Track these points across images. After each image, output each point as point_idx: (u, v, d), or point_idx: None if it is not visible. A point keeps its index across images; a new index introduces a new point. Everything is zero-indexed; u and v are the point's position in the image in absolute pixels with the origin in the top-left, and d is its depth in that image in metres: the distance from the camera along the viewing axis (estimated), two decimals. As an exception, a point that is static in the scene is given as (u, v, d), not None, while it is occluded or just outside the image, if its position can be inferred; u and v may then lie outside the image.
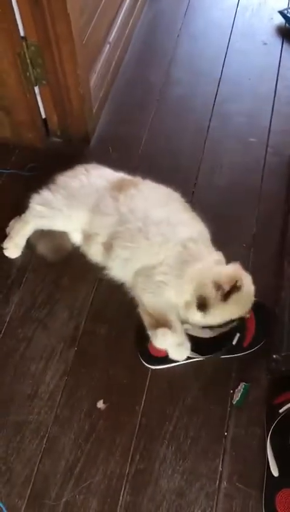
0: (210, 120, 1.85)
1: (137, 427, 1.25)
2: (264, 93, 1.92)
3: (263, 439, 1.22)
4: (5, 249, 1.48)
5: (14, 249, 1.48)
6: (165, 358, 1.29)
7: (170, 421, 1.26)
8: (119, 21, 1.96)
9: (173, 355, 1.27)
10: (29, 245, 1.50)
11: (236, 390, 1.29)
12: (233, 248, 1.50)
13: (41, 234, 1.48)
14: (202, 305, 1.21)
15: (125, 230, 1.34)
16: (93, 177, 1.46)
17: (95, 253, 1.42)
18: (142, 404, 1.28)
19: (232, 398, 1.28)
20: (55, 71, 1.54)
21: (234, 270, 1.26)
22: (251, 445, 1.22)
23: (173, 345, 1.26)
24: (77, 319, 1.41)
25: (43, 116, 1.72)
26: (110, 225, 1.36)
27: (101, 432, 1.24)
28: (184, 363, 1.31)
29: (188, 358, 1.30)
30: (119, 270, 1.37)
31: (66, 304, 1.44)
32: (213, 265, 1.28)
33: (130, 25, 2.05)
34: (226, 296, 1.20)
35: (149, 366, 1.32)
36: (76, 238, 1.47)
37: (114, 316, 1.41)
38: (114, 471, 1.19)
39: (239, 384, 1.29)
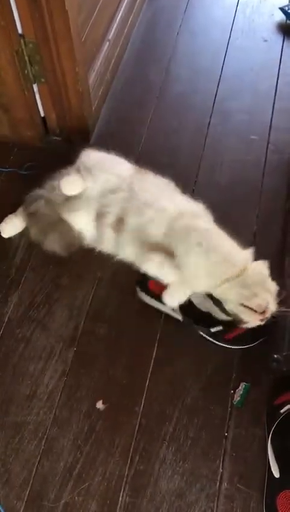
0: (210, 117, 1.84)
1: (136, 427, 1.24)
2: (265, 90, 1.90)
3: (263, 440, 1.20)
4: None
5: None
6: (158, 298, 1.33)
7: (169, 422, 1.24)
8: (118, 18, 1.94)
9: (167, 295, 1.29)
10: (29, 244, 1.50)
11: (237, 390, 1.27)
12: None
13: (48, 230, 1.45)
14: None
15: (138, 203, 1.35)
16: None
17: (107, 238, 1.39)
18: (142, 405, 1.27)
19: (232, 399, 1.27)
20: (54, 69, 1.52)
21: None
22: (251, 446, 1.21)
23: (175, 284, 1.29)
24: (76, 318, 1.40)
25: (42, 114, 1.70)
26: (122, 200, 1.37)
27: (101, 433, 1.23)
28: (166, 313, 1.37)
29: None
30: (132, 243, 1.35)
31: (65, 303, 1.43)
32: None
33: (129, 22, 2.04)
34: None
35: (139, 294, 1.38)
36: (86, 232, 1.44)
37: (114, 316, 1.40)
38: (113, 472, 1.18)
39: (240, 385, 1.28)
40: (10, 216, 1.51)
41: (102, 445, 1.22)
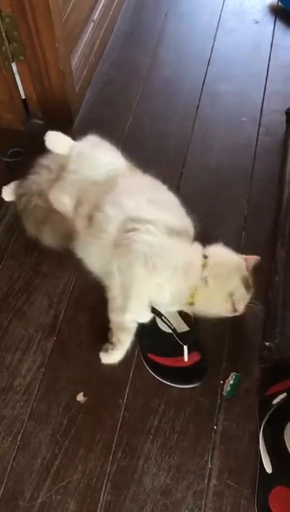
0: (199, 100, 1.77)
1: (119, 421, 1.16)
2: (256, 73, 1.83)
3: (255, 433, 1.12)
4: None
5: None
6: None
7: (155, 415, 1.16)
8: (104, -1, 1.87)
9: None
10: (7, 231, 1.42)
11: (226, 380, 1.20)
12: (224, 230, 1.41)
13: (42, 222, 1.34)
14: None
15: (111, 199, 1.25)
16: None
17: (80, 226, 1.30)
18: (125, 397, 1.19)
19: (222, 390, 1.19)
20: (33, 45, 1.45)
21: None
22: (242, 439, 1.13)
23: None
24: (57, 307, 1.32)
25: (23, 96, 1.63)
26: (99, 192, 1.28)
27: (81, 427, 1.15)
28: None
29: None
30: (96, 248, 1.26)
31: (45, 291, 1.35)
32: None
33: (115, 3, 1.96)
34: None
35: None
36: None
37: (95, 304, 1.32)
38: (94, 469, 1.10)
39: (230, 375, 1.20)
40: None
41: (82, 440, 1.13)
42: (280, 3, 2.03)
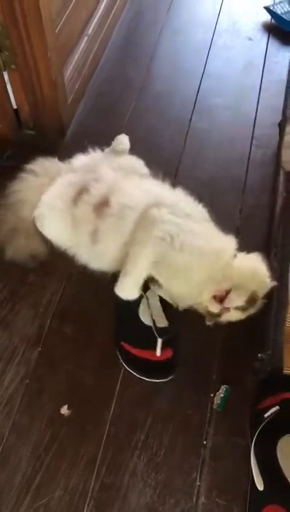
0: (192, 114, 1.76)
1: (105, 435, 1.11)
2: (249, 87, 1.84)
3: (246, 448, 1.07)
4: None
5: None
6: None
7: (142, 429, 1.12)
8: (98, 14, 1.88)
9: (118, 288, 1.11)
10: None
11: (217, 393, 1.15)
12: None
13: (12, 237, 1.28)
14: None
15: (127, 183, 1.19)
16: None
17: (82, 215, 1.16)
18: (112, 410, 1.14)
19: (212, 403, 1.15)
20: (24, 53, 1.44)
21: None
22: (232, 455, 1.09)
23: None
24: (42, 317, 1.28)
25: (14, 106, 1.61)
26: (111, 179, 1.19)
27: (64, 442, 1.10)
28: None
29: None
30: (113, 231, 1.13)
31: (31, 301, 1.31)
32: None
33: (110, 19, 1.98)
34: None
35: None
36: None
37: (83, 315, 1.28)
38: (77, 485, 1.05)
39: (220, 387, 1.16)
40: None
41: (65, 455, 1.08)
42: (273, 21, 2.04)
